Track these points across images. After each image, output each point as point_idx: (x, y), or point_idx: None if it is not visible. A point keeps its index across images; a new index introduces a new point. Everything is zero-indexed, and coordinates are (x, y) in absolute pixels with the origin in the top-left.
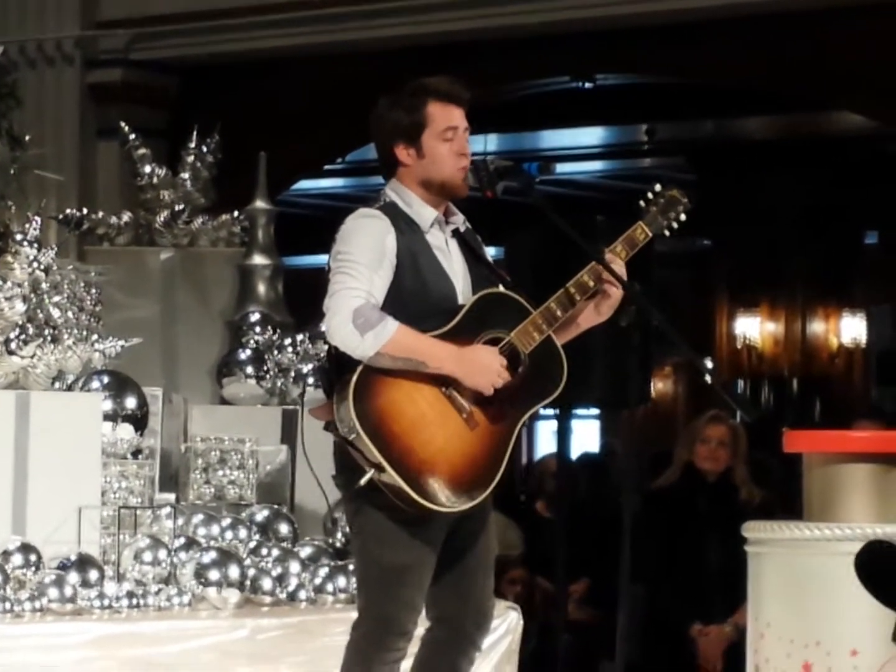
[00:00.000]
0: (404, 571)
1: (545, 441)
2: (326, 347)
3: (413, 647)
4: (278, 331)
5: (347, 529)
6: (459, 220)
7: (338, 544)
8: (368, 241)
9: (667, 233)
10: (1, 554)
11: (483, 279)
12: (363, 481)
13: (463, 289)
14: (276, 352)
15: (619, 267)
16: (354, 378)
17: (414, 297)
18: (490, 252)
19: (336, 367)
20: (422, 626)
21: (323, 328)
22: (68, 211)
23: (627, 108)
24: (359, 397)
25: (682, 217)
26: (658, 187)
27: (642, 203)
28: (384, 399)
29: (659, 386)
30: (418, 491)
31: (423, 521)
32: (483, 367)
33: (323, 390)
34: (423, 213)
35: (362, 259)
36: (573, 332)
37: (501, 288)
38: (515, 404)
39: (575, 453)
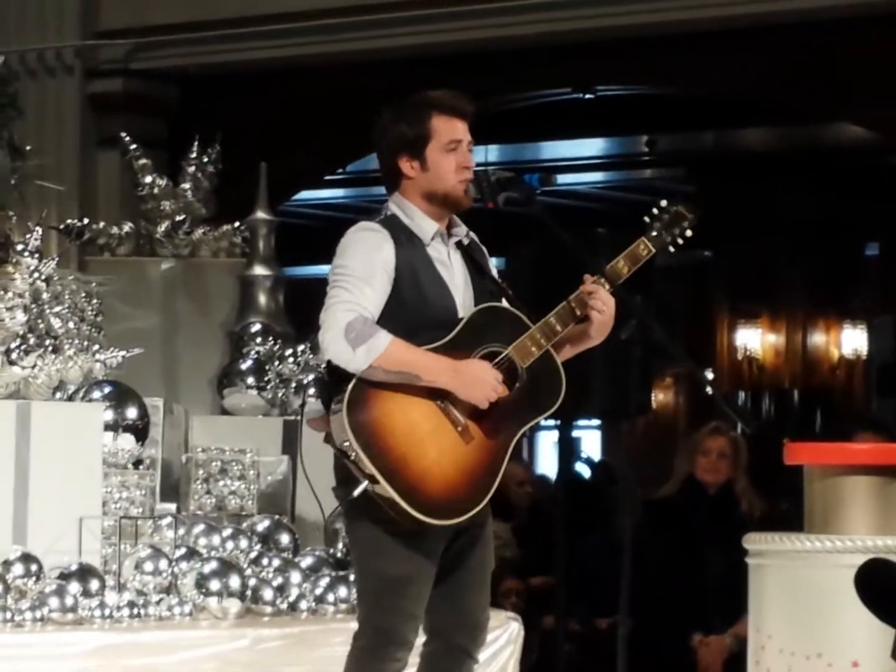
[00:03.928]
0: (402, 583)
1: (546, 452)
2: (326, 360)
3: (413, 658)
4: (279, 341)
5: (347, 540)
6: (462, 233)
7: (339, 554)
8: (364, 255)
9: (671, 249)
10: (2, 564)
11: (485, 292)
12: (356, 493)
13: (464, 302)
14: (276, 362)
15: (604, 293)
16: (349, 390)
17: (414, 310)
18: (492, 263)
19: (334, 380)
20: (421, 637)
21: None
22: (69, 221)
23: (628, 120)
24: (353, 409)
25: (688, 234)
26: (664, 203)
27: (647, 218)
28: (378, 411)
29: (660, 397)
30: (412, 504)
31: (419, 533)
32: (477, 380)
33: (322, 402)
34: (425, 226)
35: (356, 272)
36: (566, 355)
37: (504, 302)
38: (513, 418)
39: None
